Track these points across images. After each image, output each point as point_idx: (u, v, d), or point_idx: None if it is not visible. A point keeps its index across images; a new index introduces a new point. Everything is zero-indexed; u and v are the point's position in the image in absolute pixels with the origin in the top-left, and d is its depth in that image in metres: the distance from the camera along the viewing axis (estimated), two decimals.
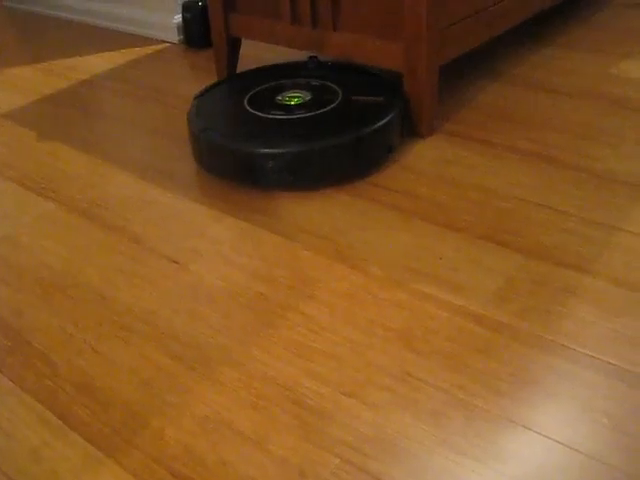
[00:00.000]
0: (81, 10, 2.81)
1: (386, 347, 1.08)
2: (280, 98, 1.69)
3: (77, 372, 1.11)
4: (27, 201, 1.58)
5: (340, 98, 1.67)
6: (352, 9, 1.67)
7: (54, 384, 1.09)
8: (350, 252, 1.30)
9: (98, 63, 2.37)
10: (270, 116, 1.61)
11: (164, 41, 2.50)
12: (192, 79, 2.16)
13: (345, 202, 1.45)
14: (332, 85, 1.74)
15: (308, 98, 1.68)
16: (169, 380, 1.07)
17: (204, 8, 2.34)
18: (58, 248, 1.41)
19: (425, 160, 1.57)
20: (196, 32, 2.38)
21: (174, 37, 2.47)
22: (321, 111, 1.62)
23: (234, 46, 2.01)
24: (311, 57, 1.85)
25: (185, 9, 2.37)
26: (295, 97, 1.69)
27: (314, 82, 1.76)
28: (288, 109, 1.64)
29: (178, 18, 2.44)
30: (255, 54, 2.25)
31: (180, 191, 1.55)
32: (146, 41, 2.53)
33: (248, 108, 1.66)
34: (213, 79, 2.11)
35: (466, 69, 2.03)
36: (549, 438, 0.93)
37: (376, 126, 1.52)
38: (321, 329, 1.13)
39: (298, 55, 2.21)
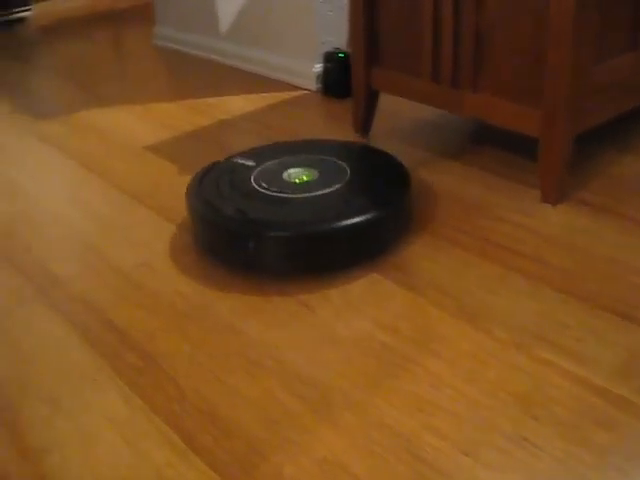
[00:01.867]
0: (227, 53, 2.94)
1: (505, 410, 1.09)
2: (288, 178, 1.66)
3: (203, 400, 1.16)
4: (164, 231, 1.67)
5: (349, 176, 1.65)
6: (493, 72, 1.71)
7: (181, 409, 1.15)
8: (475, 312, 1.32)
9: (239, 104, 2.48)
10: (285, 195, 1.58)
11: (303, 88, 2.59)
12: (327, 127, 2.23)
13: (475, 264, 1.47)
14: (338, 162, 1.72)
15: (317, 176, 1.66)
16: (291, 418, 1.11)
17: (344, 59, 2.42)
18: (192, 278, 1.48)
19: (554, 227, 1.58)
20: (335, 82, 2.46)
21: (312, 85, 2.56)
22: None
23: (373, 99, 2.07)
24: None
25: (326, 59, 2.46)
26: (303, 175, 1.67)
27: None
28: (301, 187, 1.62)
29: (318, 67, 2.53)
30: (390, 108, 2.30)
31: None
32: (285, 87, 2.63)
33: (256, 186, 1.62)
34: (349, 129, 2.17)
35: (599, 138, 2.03)
36: None
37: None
38: (442, 385, 1.15)
39: (435, 112, 2.26)
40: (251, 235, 1.45)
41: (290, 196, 1.56)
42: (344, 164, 1.69)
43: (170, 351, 1.28)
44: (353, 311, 1.35)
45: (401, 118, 2.24)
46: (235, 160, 1.76)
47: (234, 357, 1.25)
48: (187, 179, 1.90)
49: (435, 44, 1.82)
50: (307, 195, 1.56)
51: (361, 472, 1.01)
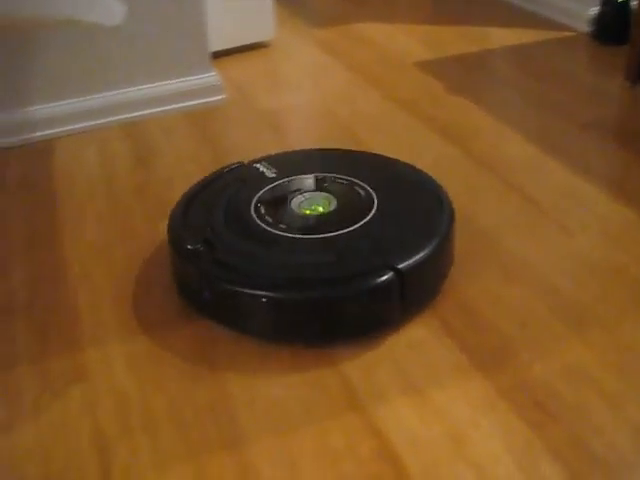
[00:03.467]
0: None
1: None
2: (297, 206, 1.33)
3: (461, 296, 1.26)
4: (432, 141, 1.76)
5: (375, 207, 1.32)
6: None
7: (441, 297, 1.25)
8: None
9: (506, 37, 2.50)
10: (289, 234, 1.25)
11: (573, 29, 2.57)
12: (596, 72, 2.22)
13: None
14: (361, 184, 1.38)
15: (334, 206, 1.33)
16: (543, 325, 1.18)
17: (623, 4, 2.37)
18: (457, 187, 1.55)
19: None
20: (609, 27, 2.42)
21: (583, 27, 2.53)
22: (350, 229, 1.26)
23: None
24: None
25: (604, 2, 2.42)
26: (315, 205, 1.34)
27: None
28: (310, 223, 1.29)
29: (594, 10, 2.50)
30: None
31: (582, 166, 1.64)
32: (554, 25, 2.61)
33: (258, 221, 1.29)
34: (617, 76, 2.14)
35: None
36: None
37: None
38: None
39: None
40: (204, 282, 1.19)
41: (283, 234, 1.24)
42: (374, 195, 1.34)
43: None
44: (609, 241, 1.39)
45: None
46: (256, 166, 1.47)
47: (490, 262, 1.34)
48: (456, 99, 1.97)
49: None
50: (305, 237, 1.24)
51: (607, 386, 1.07)
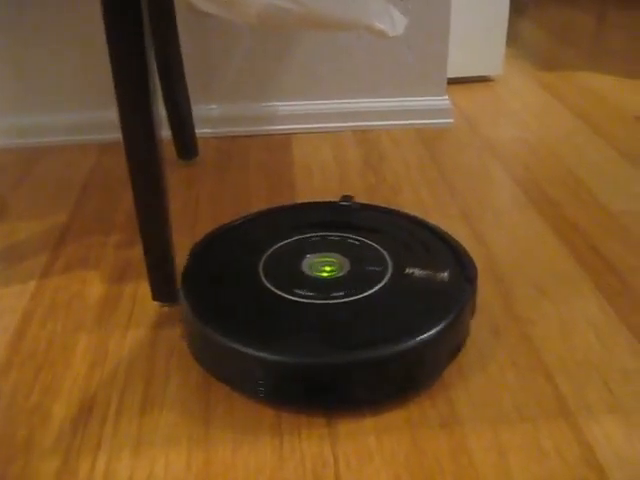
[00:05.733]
0: None
1: None
2: (306, 267, 1.21)
3: None
4: None
5: (390, 271, 1.20)
6: None
7: None
8: None
9: None
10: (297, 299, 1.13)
11: None
12: None
13: None
14: (375, 247, 1.27)
15: (345, 270, 1.21)
16: None
17: None
18: None
19: None
20: None
21: None
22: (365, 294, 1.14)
23: None
24: (345, 196, 1.44)
25: None
26: (327, 266, 1.21)
27: (351, 240, 1.29)
28: (319, 286, 1.16)
29: None
30: None
31: None
32: None
33: (267, 284, 1.16)
34: None
35: None
36: None
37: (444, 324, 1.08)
38: None
39: None
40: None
41: (276, 293, 1.14)
42: (391, 265, 1.21)
43: None
44: None
45: None
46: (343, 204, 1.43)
47: None
48: None
49: None
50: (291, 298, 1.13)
51: None
